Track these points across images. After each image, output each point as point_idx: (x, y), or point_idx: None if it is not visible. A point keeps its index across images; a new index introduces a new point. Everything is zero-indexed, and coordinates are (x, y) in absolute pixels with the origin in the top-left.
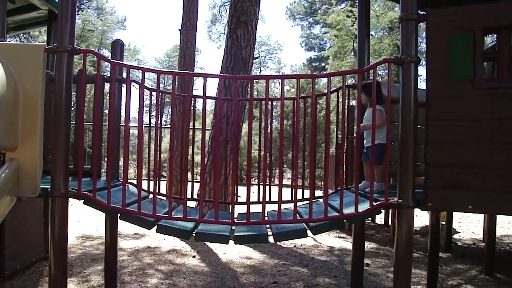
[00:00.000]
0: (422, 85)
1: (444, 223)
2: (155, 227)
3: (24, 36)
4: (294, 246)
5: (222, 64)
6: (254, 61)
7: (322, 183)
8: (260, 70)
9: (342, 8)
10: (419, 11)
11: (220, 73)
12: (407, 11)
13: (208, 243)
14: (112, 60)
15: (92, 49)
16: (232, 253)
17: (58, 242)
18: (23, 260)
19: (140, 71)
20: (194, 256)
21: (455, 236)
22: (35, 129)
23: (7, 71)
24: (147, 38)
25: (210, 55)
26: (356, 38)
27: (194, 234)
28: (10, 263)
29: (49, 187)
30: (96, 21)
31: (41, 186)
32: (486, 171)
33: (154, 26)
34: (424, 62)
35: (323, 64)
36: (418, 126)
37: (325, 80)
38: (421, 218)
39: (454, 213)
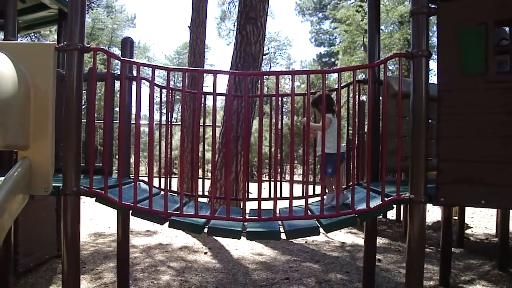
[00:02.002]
0: (432, 79)
1: (456, 218)
2: (167, 223)
3: (35, 35)
4: (306, 242)
5: (232, 60)
6: (264, 57)
7: None
8: (270, 66)
9: (352, 3)
10: (430, 5)
11: (230, 69)
12: (417, 4)
13: (219, 240)
14: (122, 58)
15: (102, 47)
16: (243, 249)
17: (71, 240)
18: (37, 257)
19: (150, 69)
20: (205, 253)
21: (468, 231)
22: (46, 128)
23: (18, 70)
24: (157, 35)
25: (219, 52)
26: (366, 33)
27: (206, 229)
28: (24, 260)
29: (61, 185)
30: (106, 19)
31: (53, 184)
32: (499, 166)
33: (164, 24)
34: (435, 56)
35: (333, 60)
36: (429, 121)
37: (335, 75)
38: (433, 213)
39: (467, 208)
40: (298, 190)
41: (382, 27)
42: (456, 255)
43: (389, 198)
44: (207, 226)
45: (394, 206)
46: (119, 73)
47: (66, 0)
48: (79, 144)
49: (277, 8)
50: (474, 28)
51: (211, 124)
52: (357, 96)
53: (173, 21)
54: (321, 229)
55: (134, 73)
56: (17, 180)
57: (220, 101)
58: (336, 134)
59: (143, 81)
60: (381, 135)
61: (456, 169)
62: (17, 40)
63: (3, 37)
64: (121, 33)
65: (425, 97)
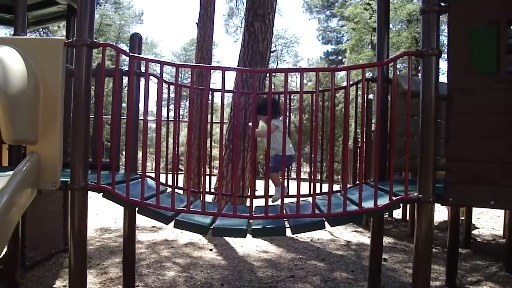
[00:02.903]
0: (441, 78)
1: (463, 218)
2: (172, 222)
3: (44, 31)
4: (311, 240)
5: (239, 57)
6: (271, 54)
7: (339, 177)
8: (277, 64)
9: (360, 0)
10: (440, 3)
11: (238, 66)
12: (428, 2)
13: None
14: (130, 54)
15: (110, 43)
16: (249, 246)
17: (78, 234)
18: (43, 251)
19: (158, 65)
20: (211, 250)
21: (475, 231)
22: (55, 123)
23: (28, 65)
24: (164, 32)
25: (226, 49)
26: (374, 31)
27: (211, 229)
28: (31, 254)
29: (69, 180)
30: (114, 15)
31: (61, 179)
32: (508, 166)
33: (171, 20)
34: (443, 55)
35: (340, 58)
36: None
37: (342, 73)
38: (439, 213)
39: (474, 208)
40: (304, 188)
41: (390, 25)
42: (463, 256)
43: (397, 197)
44: (212, 227)
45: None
46: (126, 69)
47: None
48: (87, 139)
49: (285, 5)
50: (486, 27)
51: (218, 121)
52: (358, 95)
53: (180, 17)
54: (326, 223)
55: (142, 68)
56: (25, 174)
57: (227, 97)
58: (282, 138)
59: (150, 77)
60: (388, 134)
61: (465, 169)
62: (26, 35)
63: (12, 32)
64: (129, 29)
65: (435, 96)
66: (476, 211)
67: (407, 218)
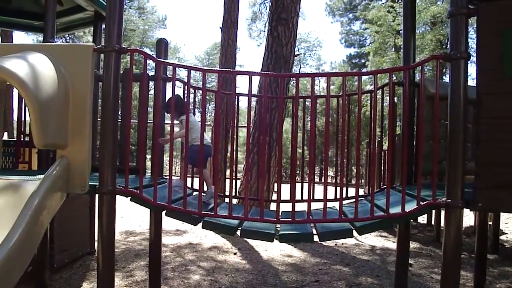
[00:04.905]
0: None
1: (490, 223)
2: (200, 224)
3: (69, 36)
4: (335, 244)
5: (263, 61)
6: (294, 58)
7: (362, 181)
8: (300, 67)
9: (383, 3)
10: (469, 5)
11: (261, 71)
12: (456, 5)
13: (249, 241)
14: (158, 59)
15: (137, 48)
16: (273, 250)
17: (106, 238)
18: (71, 254)
19: (181, 69)
20: (235, 253)
21: (502, 237)
22: (84, 128)
23: (58, 71)
24: (187, 36)
25: (249, 53)
26: (397, 34)
27: (239, 230)
28: (59, 256)
29: (97, 184)
30: (138, 21)
31: (90, 183)
32: None
33: (194, 25)
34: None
35: (363, 61)
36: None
37: (364, 77)
38: (465, 218)
39: (502, 214)
40: (328, 192)
41: None
42: (490, 262)
43: (425, 202)
44: (240, 228)
45: None
46: (153, 74)
47: (102, 2)
48: (115, 144)
49: (308, 9)
50: None
51: (244, 125)
52: (384, 99)
53: (203, 22)
54: (354, 231)
55: (166, 73)
56: (56, 178)
57: (244, 101)
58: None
59: (177, 82)
60: (415, 138)
61: (495, 174)
62: (55, 41)
63: (41, 38)
64: (152, 34)
65: (463, 100)
66: (504, 216)
67: (433, 222)
